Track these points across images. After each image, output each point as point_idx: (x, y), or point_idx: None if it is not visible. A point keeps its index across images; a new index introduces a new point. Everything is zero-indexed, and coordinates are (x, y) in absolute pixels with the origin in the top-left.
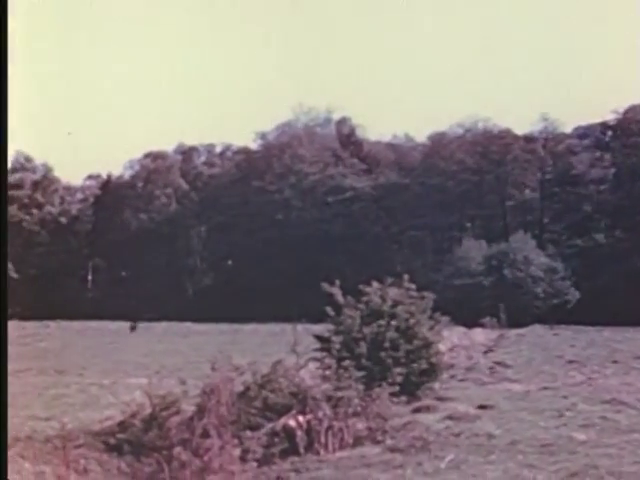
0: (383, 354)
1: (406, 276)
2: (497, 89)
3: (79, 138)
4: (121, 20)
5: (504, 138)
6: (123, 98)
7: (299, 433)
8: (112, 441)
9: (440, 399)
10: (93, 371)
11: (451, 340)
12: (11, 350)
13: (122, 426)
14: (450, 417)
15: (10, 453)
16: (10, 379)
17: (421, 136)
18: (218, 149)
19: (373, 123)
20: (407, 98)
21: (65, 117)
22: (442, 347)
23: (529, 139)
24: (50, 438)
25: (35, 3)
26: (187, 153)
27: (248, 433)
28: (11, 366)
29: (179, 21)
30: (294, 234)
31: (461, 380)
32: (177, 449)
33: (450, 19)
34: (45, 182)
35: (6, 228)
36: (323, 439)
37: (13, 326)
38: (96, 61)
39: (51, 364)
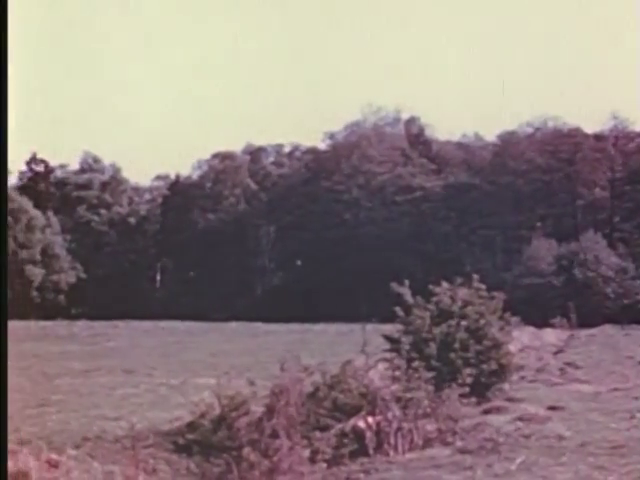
0: (453, 355)
1: (476, 276)
2: (567, 88)
3: (147, 139)
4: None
5: (574, 137)
6: (191, 99)
7: (368, 434)
8: (181, 441)
9: (510, 400)
10: (162, 371)
11: (521, 341)
12: (80, 349)
13: (191, 426)
14: (520, 418)
15: (79, 453)
16: (79, 379)
17: (491, 135)
18: (287, 149)
19: (442, 122)
20: (477, 97)
21: (133, 118)
22: (512, 348)
23: (599, 137)
24: (119, 438)
25: None
26: (255, 153)
27: (317, 434)
28: (80, 366)
29: (242, 19)
30: (363, 234)
31: (531, 381)
32: (246, 450)
33: (516, 16)
34: (113, 183)
35: (6, 228)
36: (392, 440)
37: (82, 326)
38: (159, 62)
39: (120, 364)
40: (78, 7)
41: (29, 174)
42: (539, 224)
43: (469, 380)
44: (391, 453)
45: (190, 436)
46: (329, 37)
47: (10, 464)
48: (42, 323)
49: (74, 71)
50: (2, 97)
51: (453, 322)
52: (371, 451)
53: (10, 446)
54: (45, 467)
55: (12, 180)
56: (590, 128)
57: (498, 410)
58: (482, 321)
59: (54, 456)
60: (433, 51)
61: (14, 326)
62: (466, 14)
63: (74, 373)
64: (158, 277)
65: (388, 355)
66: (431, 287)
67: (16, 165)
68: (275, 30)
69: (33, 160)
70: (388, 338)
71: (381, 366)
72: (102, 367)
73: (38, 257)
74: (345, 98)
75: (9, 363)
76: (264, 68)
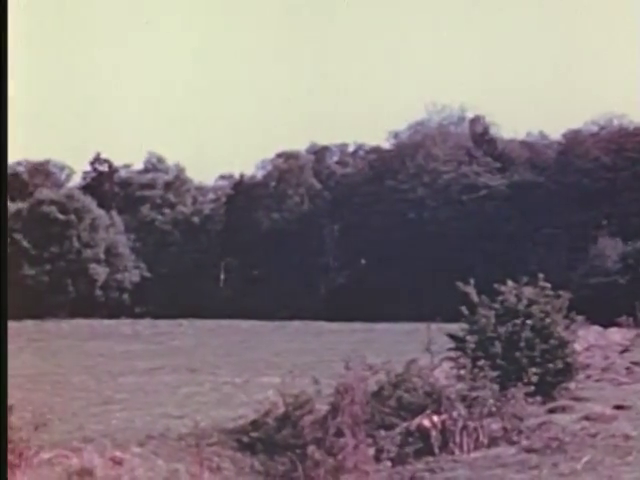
0: (518, 354)
1: (541, 275)
2: (633, 85)
3: (211, 138)
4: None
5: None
6: (255, 99)
7: (433, 433)
8: (245, 439)
9: (576, 399)
10: (226, 370)
11: (587, 340)
12: (144, 348)
13: (255, 425)
14: (586, 418)
15: (143, 450)
16: (144, 377)
17: (555, 134)
18: (351, 148)
19: (507, 121)
20: (541, 95)
21: (197, 118)
22: (578, 347)
23: None
24: (183, 436)
25: None
26: (319, 153)
27: (382, 432)
28: (144, 364)
29: (305, 21)
30: (427, 233)
31: (597, 380)
32: (311, 448)
33: (579, 12)
34: (177, 182)
35: (6, 228)
36: (458, 439)
37: (146, 324)
38: (222, 61)
39: (184, 362)
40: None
41: (93, 174)
42: (604, 222)
43: (534, 379)
44: (456, 452)
45: (254, 434)
46: (394, 36)
47: (75, 461)
48: (106, 322)
49: (137, 72)
50: (2, 97)
51: (518, 321)
52: (436, 450)
53: (74, 444)
54: (109, 464)
55: (76, 180)
56: None
57: (564, 409)
58: (547, 320)
59: (118, 454)
60: (498, 49)
61: (78, 325)
62: (531, 10)
63: (138, 372)
64: (222, 276)
65: (453, 354)
66: (496, 286)
67: (80, 165)
68: (338, 29)
69: (97, 160)
70: (453, 337)
71: (446, 365)
72: (166, 366)
73: (102, 256)
74: (409, 97)
75: (73, 361)
76: (329, 67)
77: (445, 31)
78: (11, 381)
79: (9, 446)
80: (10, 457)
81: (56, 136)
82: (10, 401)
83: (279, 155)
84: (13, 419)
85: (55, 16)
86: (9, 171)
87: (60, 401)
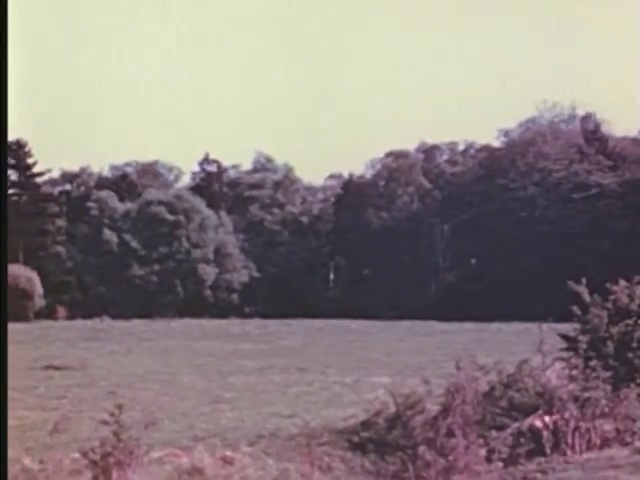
0: (631, 354)
1: None
2: None
3: (320, 138)
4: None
5: None
6: (364, 97)
7: (545, 434)
8: (356, 439)
9: None
10: (335, 369)
11: None
12: (253, 348)
13: (366, 424)
14: None
15: (254, 450)
16: (253, 377)
17: None
18: (461, 147)
19: (619, 118)
20: None
21: (305, 118)
22: None
23: None
24: (293, 436)
25: None
26: (429, 151)
27: (493, 433)
28: (254, 364)
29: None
30: (538, 231)
31: None
32: (422, 448)
33: None
34: (286, 182)
35: (6, 229)
36: (570, 440)
37: (255, 324)
38: (337, 60)
39: (293, 362)
40: None
41: (202, 174)
42: None
43: None
44: (568, 453)
45: (365, 434)
46: (504, 35)
47: (185, 460)
48: (216, 322)
49: (236, 72)
50: (2, 98)
51: (631, 321)
52: (548, 451)
53: (185, 442)
54: (220, 464)
55: (185, 180)
56: None
57: None
58: None
59: (229, 453)
60: (608, 46)
61: (188, 324)
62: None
63: (248, 371)
64: (331, 276)
65: (565, 354)
66: (608, 285)
67: (189, 166)
68: (447, 29)
69: (206, 160)
70: (565, 337)
71: (558, 365)
72: (276, 365)
73: (211, 256)
74: (520, 95)
75: (183, 361)
76: (438, 66)
77: (555, 29)
78: (121, 380)
79: (119, 445)
80: (120, 456)
81: (165, 137)
82: (120, 400)
83: (388, 154)
84: (123, 418)
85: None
86: (118, 172)
87: (169, 400)
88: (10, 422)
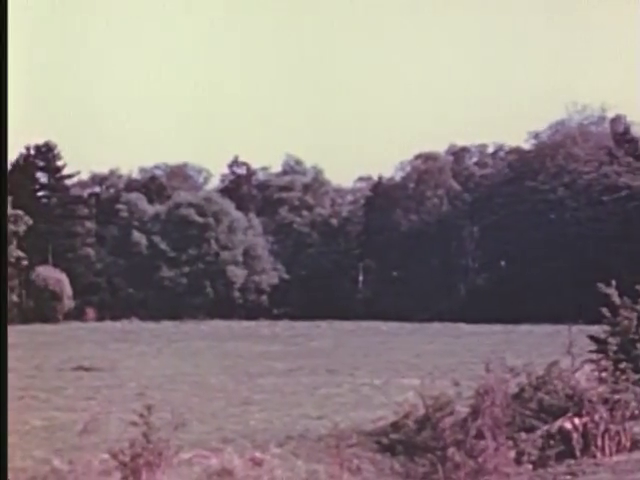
0: None
1: None
2: None
3: (349, 140)
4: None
5: None
6: (393, 100)
7: (575, 436)
8: (385, 441)
9: None
10: (365, 371)
11: None
12: (282, 349)
13: (395, 426)
14: None
15: (283, 451)
16: (282, 378)
17: None
18: (490, 149)
19: None
20: None
21: (334, 120)
22: None
23: None
24: (323, 437)
25: None
26: (459, 154)
27: (523, 435)
28: (283, 365)
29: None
30: (568, 233)
31: None
32: (451, 450)
33: None
34: (315, 185)
35: (6, 229)
36: (600, 442)
37: (284, 326)
38: (370, 64)
39: (322, 364)
40: None
41: (231, 177)
42: None
43: None
44: (598, 455)
45: (394, 436)
46: (534, 36)
47: (214, 462)
48: (245, 323)
49: (273, 74)
50: (2, 98)
51: None
52: (578, 453)
53: (214, 444)
54: (249, 465)
55: (214, 182)
56: None
57: None
58: None
59: (258, 454)
60: (637, 47)
61: (217, 326)
62: None
63: (277, 373)
64: (361, 278)
65: (595, 356)
66: (638, 287)
67: (218, 168)
68: (477, 30)
69: (235, 163)
70: (595, 339)
71: (587, 367)
72: (305, 367)
73: (240, 258)
74: (549, 97)
75: (212, 362)
76: (468, 68)
77: (585, 30)
78: (150, 382)
79: (149, 446)
80: (150, 457)
81: (194, 139)
82: (149, 401)
83: (418, 156)
84: (152, 419)
85: None
86: (147, 174)
87: (199, 402)
88: (39, 423)
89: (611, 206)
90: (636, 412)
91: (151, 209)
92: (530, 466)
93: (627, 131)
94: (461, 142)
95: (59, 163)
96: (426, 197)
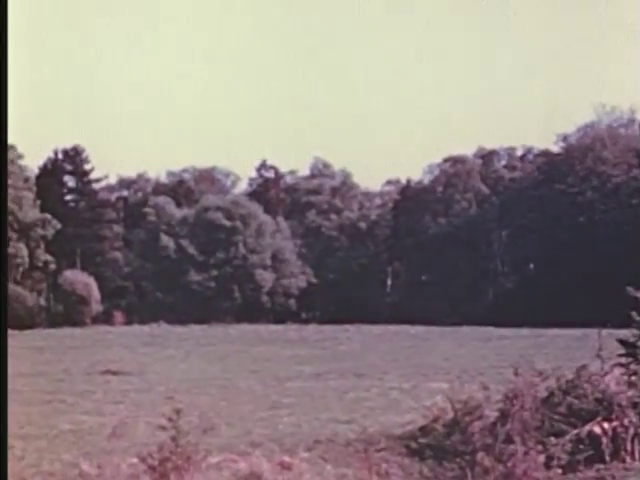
0: None
1: None
2: None
3: (377, 144)
4: None
5: None
6: (422, 103)
7: (604, 440)
8: (414, 445)
9: None
10: (393, 375)
11: None
12: (311, 353)
13: (424, 430)
14: None
15: (311, 455)
16: (310, 382)
17: None
18: (519, 152)
19: None
20: None
21: (361, 124)
22: None
23: None
24: (351, 441)
25: None
26: (487, 157)
27: (552, 439)
28: (311, 369)
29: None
30: (597, 236)
31: None
32: (480, 454)
33: None
34: (344, 188)
35: (6, 229)
36: (629, 447)
37: (312, 330)
38: (400, 67)
39: (351, 368)
40: None
41: (259, 180)
42: None
43: None
44: (627, 460)
45: (423, 440)
46: (563, 39)
47: (243, 466)
48: (273, 327)
49: (303, 77)
50: (2, 98)
51: None
52: (607, 457)
53: (242, 448)
54: (278, 469)
55: (242, 186)
56: None
57: None
58: None
59: (286, 458)
60: None
61: (245, 330)
62: None
63: (305, 377)
64: (389, 281)
65: (624, 360)
66: None
67: (246, 172)
68: (505, 32)
69: (263, 166)
70: (624, 343)
71: (617, 371)
72: (333, 371)
73: (268, 262)
74: (578, 99)
75: (240, 366)
76: (496, 71)
77: (617, 30)
78: (179, 385)
79: (177, 450)
80: (178, 461)
81: (222, 143)
82: (178, 405)
83: (446, 159)
84: (181, 423)
85: None
86: (175, 178)
87: (227, 405)
88: (67, 426)
89: None
90: None
91: (179, 213)
92: (559, 470)
93: None
94: (490, 145)
95: (87, 167)
96: (454, 200)
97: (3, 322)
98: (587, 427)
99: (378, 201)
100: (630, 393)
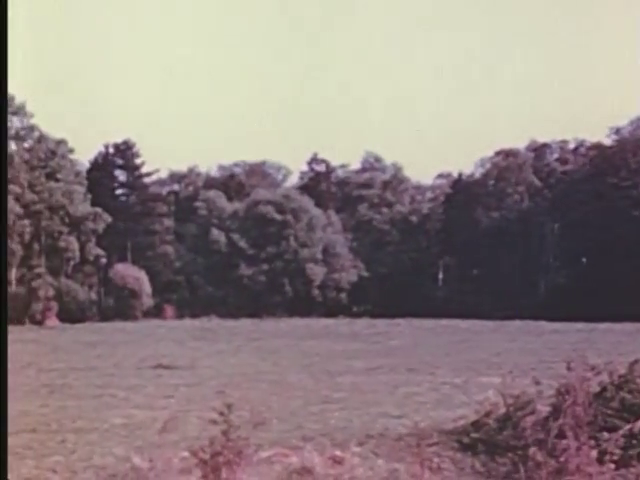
0: None
1: None
2: None
3: (429, 137)
4: None
5: None
6: (473, 97)
7: None
8: (466, 440)
9: None
10: (445, 370)
11: None
12: (362, 347)
13: (476, 425)
14: None
15: (363, 450)
16: (362, 377)
17: None
18: (571, 145)
19: None
20: None
21: (413, 117)
22: None
23: None
24: (402, 436)
25: None
26: (539, 150)
27: (605, 434)
28: (362, 364)
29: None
30: None
31: None
32: (532, 449)
33: None
34: (395, 182)
35: (6, 229)
36: None
37: (363, 324)
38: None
39: (402, 362)
40: None
41: (310, 174)
42: None
43: None
44: None
45: (475, 435)
46: (611, 30)
47: (294, 460)
48: (324, 321)
49: (349, 71)
50: (2, 96)
51: None
52: None
53: (293, 442)
54: (329, 463)
55: (293, 180)
56: None
57: None
58: None
59: (338, 453)
60: None
61: (296, 324)
62: None
63: (356, 371)
64: (440, 275)
65: None
66: None
67: (297, 165)
68: (560, 27)
69: (314, 160)
70: None
71: None
72: (384, 365)
73: (319, 256)
74: (630, 92)
75: (291, 360)
76: (547, 64)
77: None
78: (229, 380)
79: (228, 444)
80: (230, 455)
81: (273, 137)
82: (229, 399)
83: (498, 153)
84: (232, 417)
85: None
86: (226, 172)
87: (278, 400)
88: (119, 421)
89: None
90: None
91: (230, 207)
92: (612, 466)
93: None
94: (542, 138)
95: (138, 161)
96: (506, 194)
97: (3, 322)
98: None
99: (429, 195)
100: None
